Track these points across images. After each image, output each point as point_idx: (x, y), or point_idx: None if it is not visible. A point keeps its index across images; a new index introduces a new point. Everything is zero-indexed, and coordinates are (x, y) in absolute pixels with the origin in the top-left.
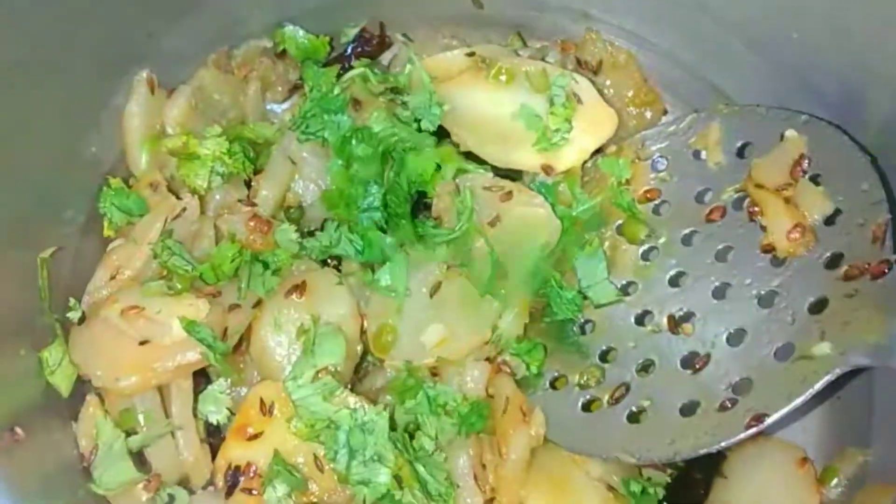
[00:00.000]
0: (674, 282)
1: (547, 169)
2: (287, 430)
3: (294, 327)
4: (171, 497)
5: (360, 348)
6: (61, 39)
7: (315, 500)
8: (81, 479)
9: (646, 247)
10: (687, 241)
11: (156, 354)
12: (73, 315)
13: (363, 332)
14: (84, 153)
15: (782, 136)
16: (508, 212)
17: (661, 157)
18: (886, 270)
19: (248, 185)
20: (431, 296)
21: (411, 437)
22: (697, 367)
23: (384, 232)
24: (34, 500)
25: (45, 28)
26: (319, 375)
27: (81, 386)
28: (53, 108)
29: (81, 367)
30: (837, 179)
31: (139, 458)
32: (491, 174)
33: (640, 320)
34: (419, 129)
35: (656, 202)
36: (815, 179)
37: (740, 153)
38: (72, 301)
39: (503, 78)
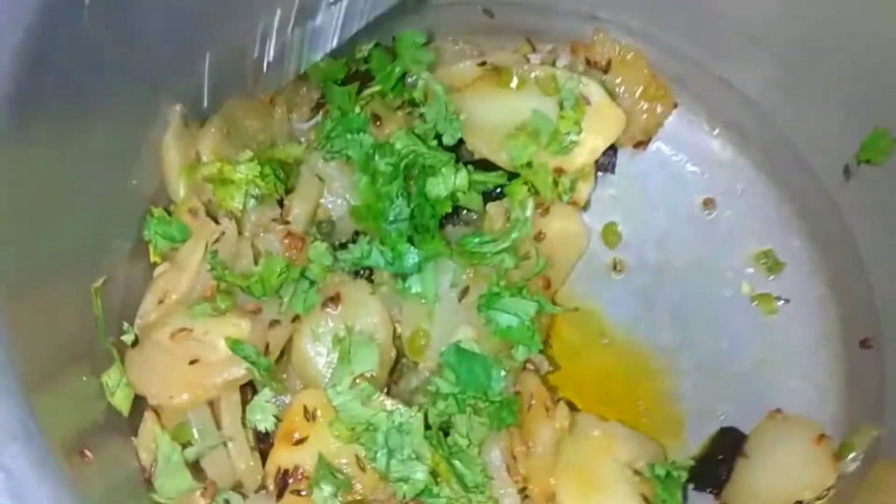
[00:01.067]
0: None
1: (559, 171)
2: (330, 434)
3: (330, 337)
4: (227, 502)
5: (393, 353)
6: (106, 88)
7: (360, 497)
8: (144, 490)
9: None
10: None
11: (204, 372)
12: (127, 338)
13: (397, 337)
14: (127, 186)
15: None
16: (548, 225)
17: None
18: None
19: (280, 203)
20: (460, 300)
21: (446, 434)
22: None
23: (413, 243)
24: None
25: (92, 80)
26: (357, 381)
27: (139, 403)
28: (98, 150)
29: (138, 388)
30: None
31: (195, 468)
32: (527, 192)
33: None
34: (440, 143)
35: None
36: None
37: None
38: (125, 325)
39: (514, 85)
